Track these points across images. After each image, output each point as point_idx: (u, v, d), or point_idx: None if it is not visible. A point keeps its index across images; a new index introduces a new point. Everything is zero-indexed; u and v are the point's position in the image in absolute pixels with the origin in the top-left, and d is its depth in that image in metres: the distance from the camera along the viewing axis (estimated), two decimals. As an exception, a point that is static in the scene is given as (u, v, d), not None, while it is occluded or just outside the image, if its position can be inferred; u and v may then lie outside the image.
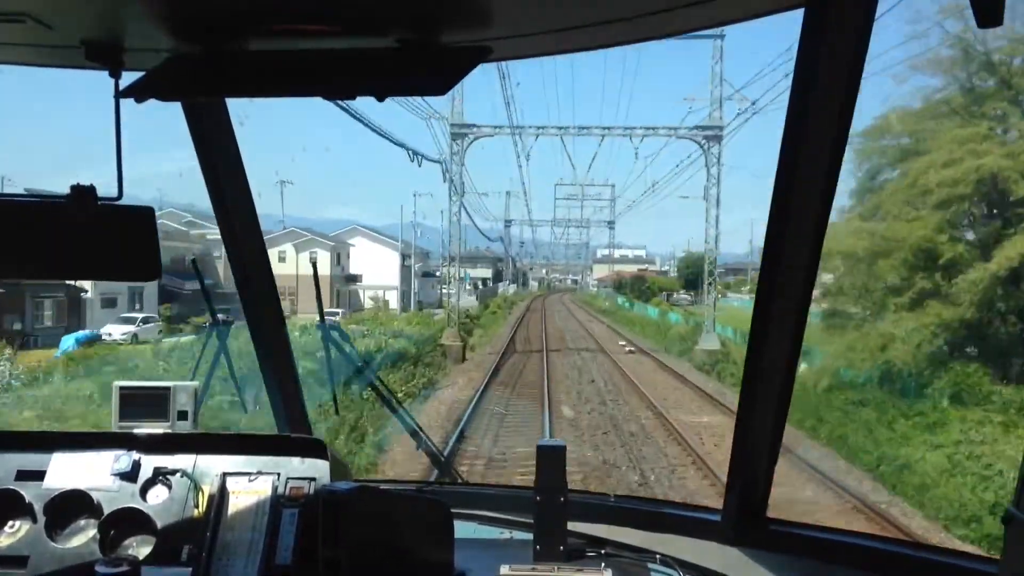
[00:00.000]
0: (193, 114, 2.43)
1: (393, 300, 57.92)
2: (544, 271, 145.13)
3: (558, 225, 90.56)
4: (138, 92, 1.60)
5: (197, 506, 2.26)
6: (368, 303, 56.47)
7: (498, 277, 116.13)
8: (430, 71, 1.61)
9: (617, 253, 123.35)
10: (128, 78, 1.73)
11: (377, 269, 60.21)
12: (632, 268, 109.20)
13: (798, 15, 1.73)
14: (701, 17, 1.72)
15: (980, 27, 1.41)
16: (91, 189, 1.80)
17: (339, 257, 58.09)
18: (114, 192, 1.88)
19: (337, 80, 1.66)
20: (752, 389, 2.25)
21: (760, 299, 2.14)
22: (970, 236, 20.49)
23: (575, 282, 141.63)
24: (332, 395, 3.41)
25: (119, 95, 1.77)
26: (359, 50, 1.63)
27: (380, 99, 1.56)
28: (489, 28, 1.68)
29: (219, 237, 2.75)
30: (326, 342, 2.94)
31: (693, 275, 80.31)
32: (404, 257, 62.83)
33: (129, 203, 1.86)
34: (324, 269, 48.51)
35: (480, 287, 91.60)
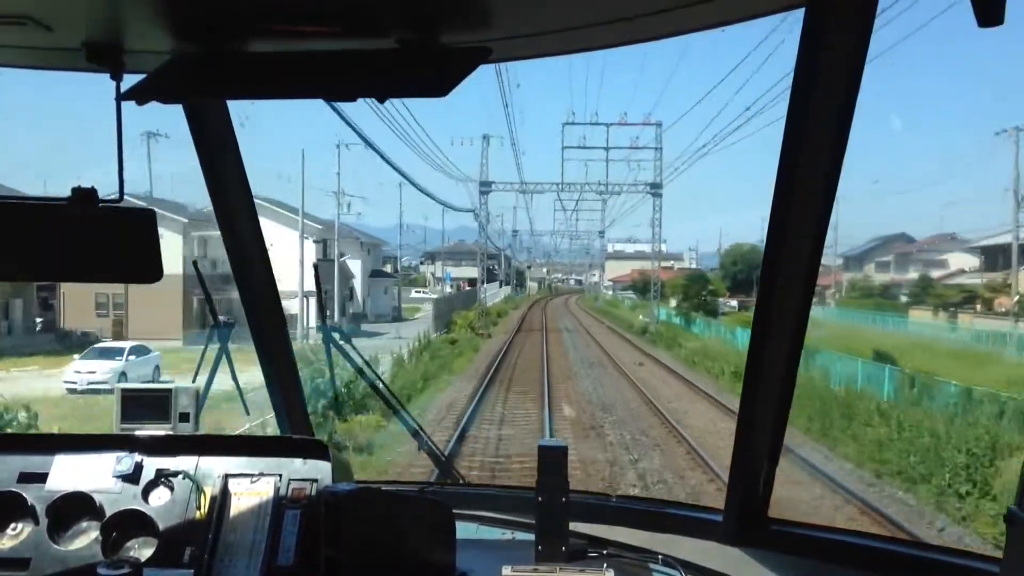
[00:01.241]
0: (193, 115, 2.43)
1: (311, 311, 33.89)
2: (544, 270, 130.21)
3: (567, 192, 51.28)
4: (139, 94, 1.61)
5: (199, 508, 2.26)
6: None
7: (490, 276, 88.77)
8: (430, 72, 1.62)
9: (631, 248, 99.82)
10: (129, 80, 1.74)
11: (283, 264, 31.07)
12: (651, 265, 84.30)
13: (798, 15, 1.73)
14: (701, 17, 1.72)
15: (981, 26, 1.41)
16: (92, 191, 1.80)
17: (206, 246, 35.38)
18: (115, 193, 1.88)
19: (338, 81, 1.66)
20: (753, 389, 2.26)
21: (761, 300, 2.14)
22: None
23: (579, 282, 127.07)
24: (334, 397, 3.41)
25: (120, 97, 1.77)
26: (359, 51, 1.64)
27: (381, 100, 1.57)
28: (489, 29, 1.68)
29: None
30: (327, 344, 2.94)
31: (743, 273, 57.99)
32: (326, 245, 43.02)
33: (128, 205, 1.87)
34: (175, 266, 21.83)
35: (460, 290, 67.07)
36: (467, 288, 62.53)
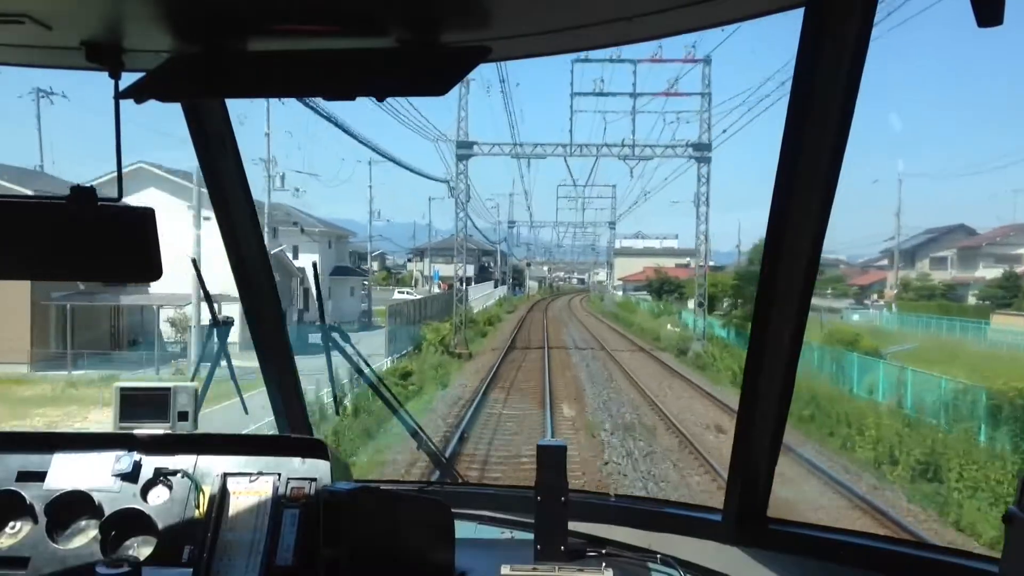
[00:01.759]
0: (193, 114, 2.43)
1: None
2: (545, 268, 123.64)
3: (577, 157, 35.78)
4: (138, 93, 1.61)
5: (198, 507, 2.26)
6: (167, 331, 29.46)
7: (485, 275, 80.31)
8: (430, 71, 1.62)
9: (640, 244, 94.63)
10: (128, 79, 1.74)
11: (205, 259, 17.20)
12: (669, 262, 76.15)
13: (798, 15, 1.73)
14: (701, 17, 1.72)
15: (980, 26, 1.41)
16: (91, 190, 1.81)
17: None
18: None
19: (337, 80, 1.66)
20: (753, 388, 2.26)
21: (760, 299, 2.14)
22: None
23: (581, 281, 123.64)
24: (333, 396, 3.42)
25: (119, 96, 1.77)
26: (359, 50, 1.64)
27: (380, 99, 1.57)
28: (489, 28, 1.68)
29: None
30: (326, 342, 2.94)
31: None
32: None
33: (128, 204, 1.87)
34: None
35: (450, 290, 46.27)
36: (448, 289, 46.15)
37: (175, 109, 2.31)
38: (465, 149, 34.71)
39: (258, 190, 30.41)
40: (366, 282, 50.75)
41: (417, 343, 30.52)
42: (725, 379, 24.09)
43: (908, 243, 59.87)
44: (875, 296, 57.86)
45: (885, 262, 63.79)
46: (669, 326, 40.44)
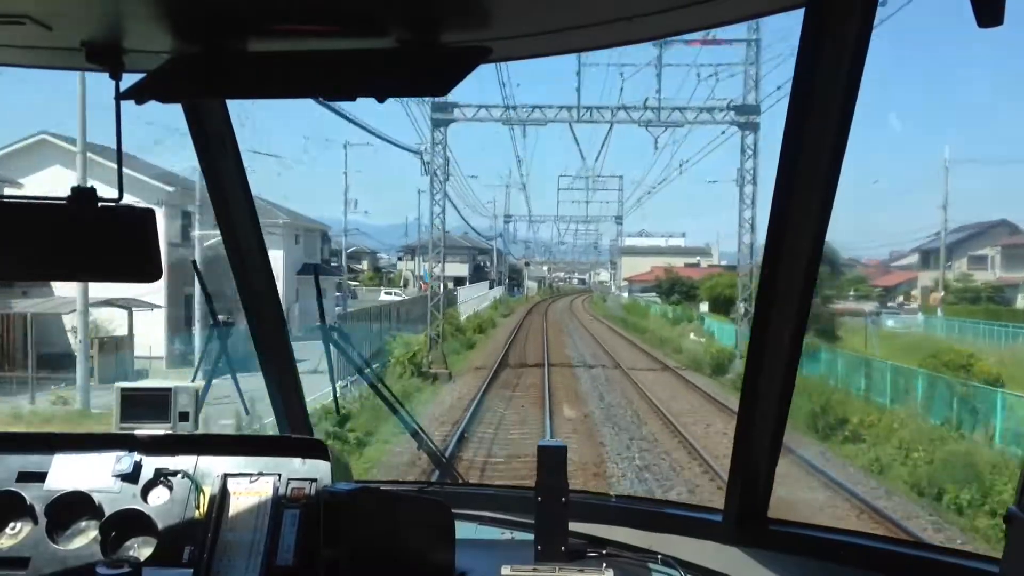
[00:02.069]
0: (193, 114, 2.44)
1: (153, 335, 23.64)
2: (545, 268, 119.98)
3: (586, 123, 27.88)
4: (139, 94, 1.61)
5: (198, 507, 2.26)
6: (74, 342, 22.07)
7: (480, 275, 75.24)
8: (430, 72, 1.62)
9: (646, 243, 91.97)
10: (128, 79, 1.74)
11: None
12: (677, 261, 73.83)
13: (798, 15, 1.73)
14: (701, 17, 1.72)
15: (980, 27, 1.41)
16: (91, 190, 1.81)
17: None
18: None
19: (337, 81, 1.66)
20: (753, 389, 2.26)
21: (761, 299, 2.14)
22: None
23: (582, 282, 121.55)
24: (333, 396, 3.42)
25: (119, 97, 1.78)
26: (359, 51, 1.64)
27: (380, 100, 1.57)
28: (489, 28, 1.68)
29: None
30: (326, 343, 2.95)
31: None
32: (189, 220, 25.81)
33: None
34: None
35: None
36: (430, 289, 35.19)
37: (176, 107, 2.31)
38: (443, 113, 27.73)
39: (189, 169, 23.60)
40: (340, 281, 44.90)
41: (384, 361, 23.95)
42: (799, 418, 15.43)
43: (938, 241, 54.37)
44: (900, 298, 54.25)
45: (908, 261, 60.12)
46: (692, 336, 34.68)
